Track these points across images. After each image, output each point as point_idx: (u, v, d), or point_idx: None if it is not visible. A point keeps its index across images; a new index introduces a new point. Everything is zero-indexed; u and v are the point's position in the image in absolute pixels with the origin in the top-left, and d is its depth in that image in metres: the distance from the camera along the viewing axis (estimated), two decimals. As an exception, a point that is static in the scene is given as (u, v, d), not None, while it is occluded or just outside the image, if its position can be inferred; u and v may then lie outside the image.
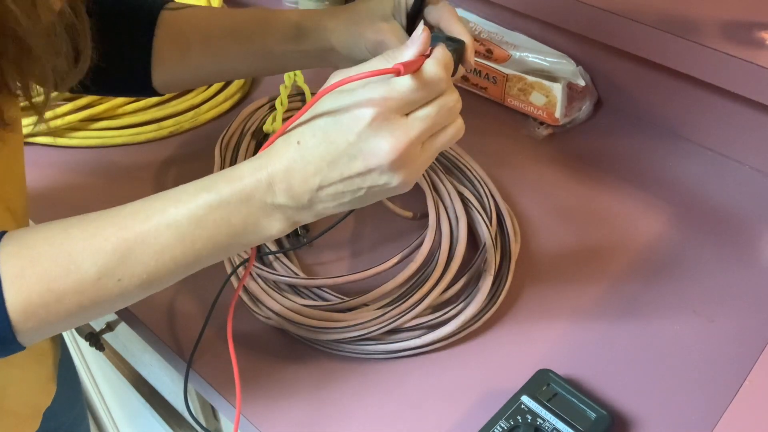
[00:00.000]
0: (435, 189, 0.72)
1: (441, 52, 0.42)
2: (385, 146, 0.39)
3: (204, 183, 0.42)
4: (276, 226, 0.43)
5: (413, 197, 0.75)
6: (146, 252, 0.40)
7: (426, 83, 0.40)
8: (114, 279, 0.40)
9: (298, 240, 0.70)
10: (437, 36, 0.45)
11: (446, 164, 0.76)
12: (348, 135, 0.39)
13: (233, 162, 0.73)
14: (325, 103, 0.41)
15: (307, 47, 0.60)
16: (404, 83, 0.39)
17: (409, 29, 0.57)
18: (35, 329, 0.41)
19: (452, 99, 0.41)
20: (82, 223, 0.41)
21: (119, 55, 0.46)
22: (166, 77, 0.63)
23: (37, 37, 0.39)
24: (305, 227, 0.71)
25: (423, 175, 0.71)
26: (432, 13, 0.55)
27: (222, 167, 0.72)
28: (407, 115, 0.40)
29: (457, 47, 0.48)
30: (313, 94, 0.80)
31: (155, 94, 0.64)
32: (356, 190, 0.41)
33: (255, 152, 0.76)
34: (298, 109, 0.79)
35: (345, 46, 0.58)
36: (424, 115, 0.40)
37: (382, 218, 0.74)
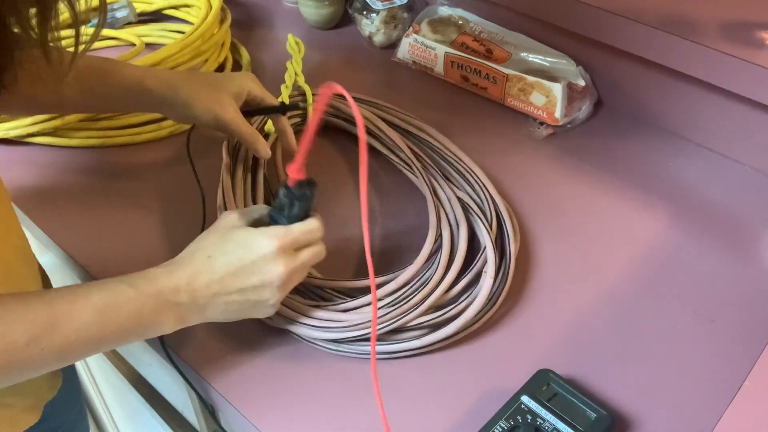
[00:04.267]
0: (436, 195, 0.72)
1: (315, 220, 0.56)
2: (280, 269, 0.53)
3: (122, 278, 0.50)
4: (170, 324, 0.52)
5: (415, 203, 0.75)
6: (69, 326, 0.46)
7: (311, 231, 0.55)
8: (38, 347, 0.45)
9: None
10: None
11: (446, 167, 0.76)
12: (253, 256, 0.53)
13: (233, 161, 0.73)
14: (235, 233, 0.54)
15: (152, 87, 0.66)
16: (299, 229, 0.55)
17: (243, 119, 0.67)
18: None
19: (323, 249, 0.57)
20: (15, 296, 0.46)
21: None
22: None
23: None
24: None
25: (424, 182, 0.72)
26: (276, 124, 0.72)
27: (228, 167, 0.72)
28: (296, 250, 0.55)
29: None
30: (314, 94, 0.81)
31: None
32: (244, 302, 0.54)
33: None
34: (299, 108, 0.79)
35: (200, 107, 0.65)
36: (307, 252, 0.56)
37: (386, 222, 0.75)
